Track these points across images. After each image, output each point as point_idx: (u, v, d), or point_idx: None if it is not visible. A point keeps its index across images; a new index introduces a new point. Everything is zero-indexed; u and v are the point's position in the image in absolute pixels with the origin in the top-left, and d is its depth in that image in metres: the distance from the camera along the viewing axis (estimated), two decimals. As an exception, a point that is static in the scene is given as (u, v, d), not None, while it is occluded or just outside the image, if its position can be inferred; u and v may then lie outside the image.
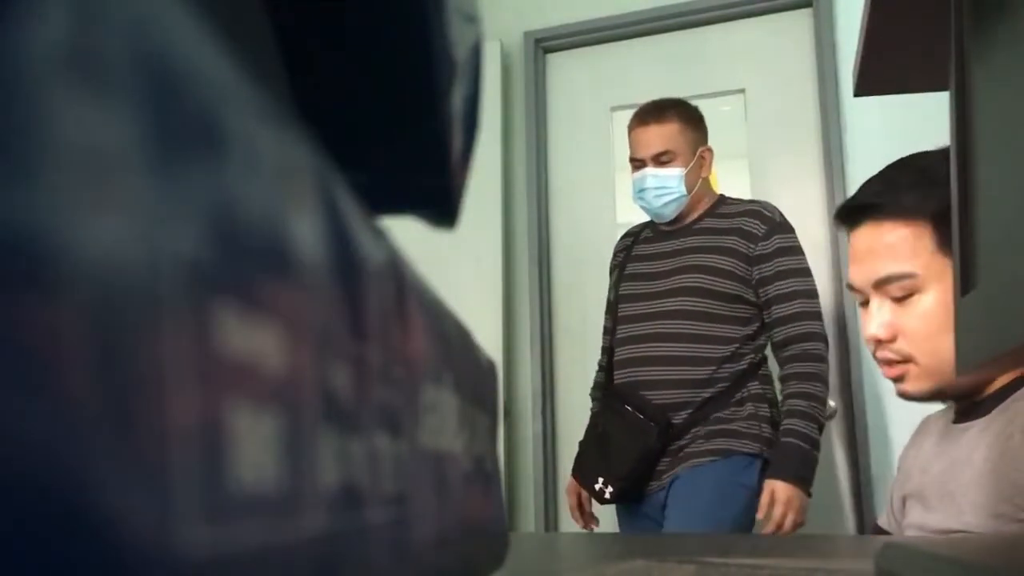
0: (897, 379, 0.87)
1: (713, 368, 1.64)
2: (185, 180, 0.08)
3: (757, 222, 1.69)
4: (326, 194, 0.12)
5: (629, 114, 2.45)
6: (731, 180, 2.42)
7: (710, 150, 1.80)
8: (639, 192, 1.76)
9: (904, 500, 0.93)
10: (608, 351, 1.84)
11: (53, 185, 0.06)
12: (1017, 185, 0.26)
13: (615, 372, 1.76)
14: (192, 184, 0.08)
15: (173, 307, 0.08)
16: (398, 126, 0.20)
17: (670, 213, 1.76)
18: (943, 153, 0.87)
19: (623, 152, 2.45)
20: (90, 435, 0.06)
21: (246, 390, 0.09)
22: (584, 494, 1.77)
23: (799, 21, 2.32)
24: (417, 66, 0.19)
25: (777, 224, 1.69)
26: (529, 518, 2.27)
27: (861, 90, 0.49)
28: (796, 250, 1.68)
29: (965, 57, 0.33)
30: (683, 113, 1.77)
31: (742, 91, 2.35)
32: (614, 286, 1.86)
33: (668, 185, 1.73)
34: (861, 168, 2.04)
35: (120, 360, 0.07)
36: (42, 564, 0.06)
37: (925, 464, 0.89)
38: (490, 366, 0.25)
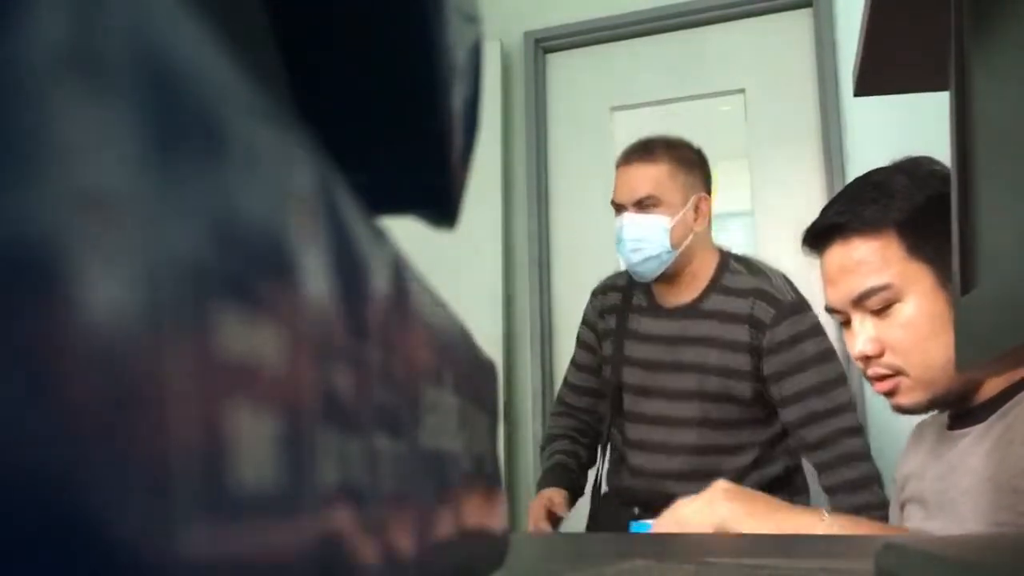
0: (889, 393, 0.87)
1: (735, 480, 1.37)
2: (185, 181, 0.08)
3: (765, 305, 1.39)
4: (326, 194, 0.12)
5: (629, 114, 2.47)
6: (731, 180, 2.43)
7: (707, 199, 1.49)
8: (618, 243, 1.47)
9: (903, 506, 0.93)
10: (591, 422, 1.57)
11: (53, 187, 0.06)
12: (1017, 185, 0.26)
13: (629, 475, 1.49)
14: (192, 185, 0.08)
15: (173, 308, 0.08)
16: (398, 126, 0.20)
17: (649, 272, 1.46)
18: (896, 168, 0.89)
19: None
20: (91, 437, 0.06)
21: (246, 391, 0.09)
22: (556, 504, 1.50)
23: (799, 21, 2.32)
24: (417, 66, 0.19)
25: (787, 306, 1.38)
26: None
27: (861, 90, 0.49)
28: (812, 332, 1.37)
29: (965, 57, 0.33)
30: (676, 153, 1.48)
31: (742, 91, 2.35)
32: (612, 363, 1.54)
33: (648, 237, 1.43)
34: (861, 168, 2.03)
35: (120, 362, 0.07)
36: (43, 565, 0.06)
37: (921, 470, 0.89)
38: (490, 366, 0.25)
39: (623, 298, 1.57)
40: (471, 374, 0.22)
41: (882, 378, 0.86)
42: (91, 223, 0.07)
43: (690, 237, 1.45)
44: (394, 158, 0.20)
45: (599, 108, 2.47)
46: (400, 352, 0.15)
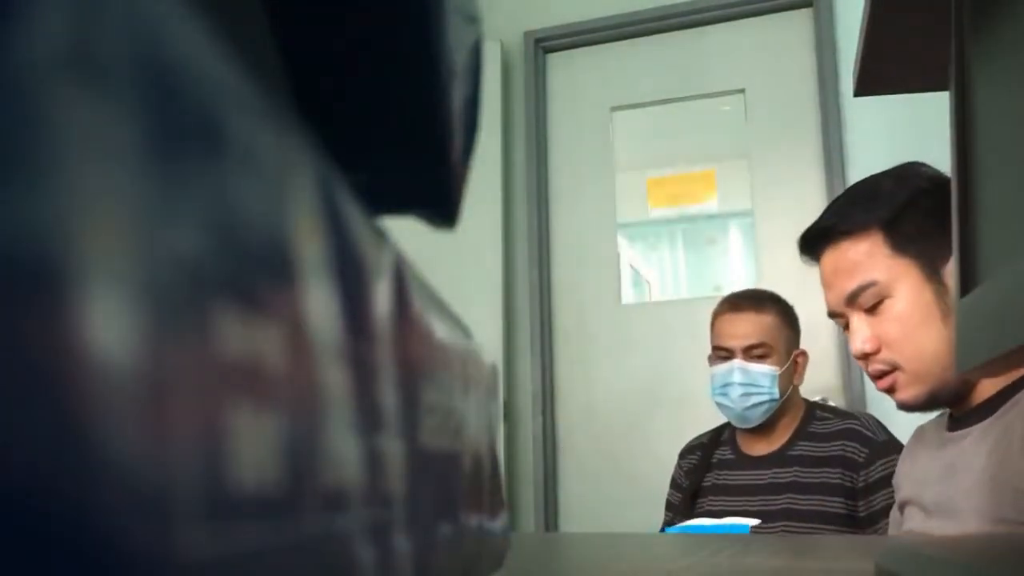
0: (890, 390, 0.89)
1: None
2: (185, 181, 0.08)
3: (857, 446, 1.38)
4: (326, 194, 0.12)
5: (629, 114, 2.48)
6: (731, 180, 2.43)
7: (805, 354, 1.55)
8: (722, 387, 1.50)
9: (902, 508, 0.93)
10: None
11: (52, 186, 0.06)
12: (1017, 185, 0.26)
13: None
14: (192, 185, 0.08)
15: (173, 309, 0.08)
16: (398, 126, 0.20)
17: (756, 417, 1.48)
18: (883, 173, 0.94)
19: (623, 152, 2.47)
20: (90, 436, 0.06)
21: (246, 391, 0.09)
22: None
23: (799, 21, 2.32)
24: (417, 66, 0.19)
25: (880, 445, 1.37)
26: (529, 518, 2.27)
27: (861, 90, 0.49)
28: None
29: (965, 57, 0.33)
30: (782, 308, 1.53)
31: (742, 91, 2.35)
32: (685, 514, 1.53)
33: (759, 383, 1.46)
34: (861, 168, 2.04)
35: (120, 362, 0.07)
36: (42, 565, 0.06)
37: (922, 474, 0.89)
38: (490, 366, 0.25)
39: (702, 456, 1.58)
40: (471, 374, 0.22)
41: (881, 376, 0.89)
42: (90, 223, 0.07)
43: (789, 390, 1.50)
44: (394, 158, 0.20)
45: (599, 108, 2.47)
46: (400, 352, 0.15)
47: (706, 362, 1.59)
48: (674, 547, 0.53)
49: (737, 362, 1.48)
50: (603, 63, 2.48)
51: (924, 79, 0.47)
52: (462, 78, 0.21)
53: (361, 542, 0.13)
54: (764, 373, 1.47)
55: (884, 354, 0.88)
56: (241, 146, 0.10)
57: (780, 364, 1.48)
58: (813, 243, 0.95)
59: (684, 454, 1.64)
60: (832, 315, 0.94)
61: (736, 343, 1.50)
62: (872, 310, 0.88)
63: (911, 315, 0.86)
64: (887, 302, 0.87)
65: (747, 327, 1.49)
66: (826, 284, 0.93)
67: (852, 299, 0.89)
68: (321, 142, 0.13)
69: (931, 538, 0.72)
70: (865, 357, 0.89)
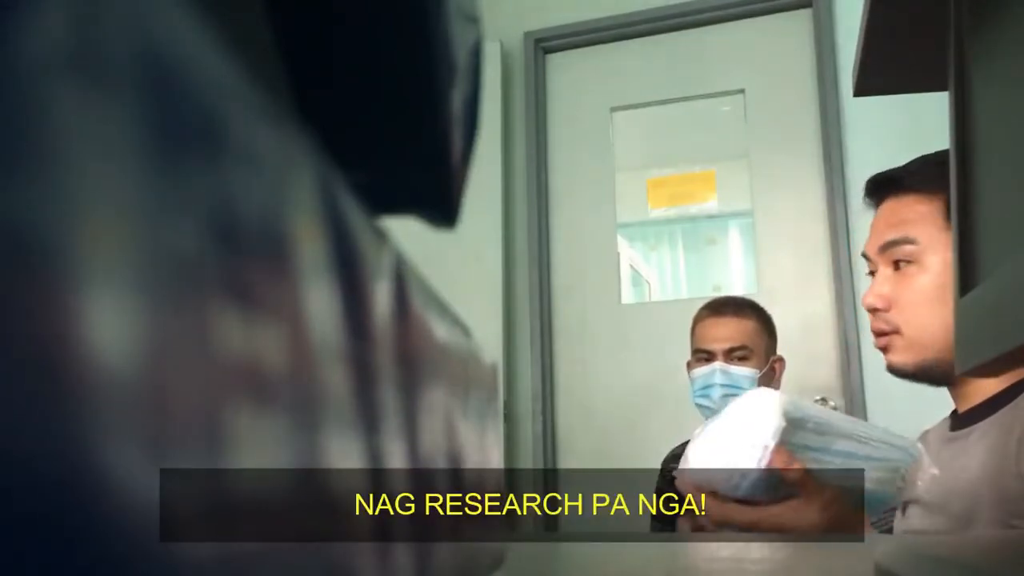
0: (884, 349, 0.90)
1: None
2: (186, 180, 0.08)
3: None
4: (326, 194, 0.12)
5: (629, 114, 2.48)
6: (731, 180, 2.43)
7: (782, 361, 1.58)
8: (703, 389, 1.53)
9: (904, 507, 0.93)
10: None
11: (54, 185, 0.06)
12: (1017, 185, 0.26)
13: None
14: (193, 184, 0.08)
15: (173, 306, 0.08)
16: (398, 126, 0.20)
17: None
18: None
19: (623, 152, 2.47)
20: (89, 434, 0.06)
21: (246, 389, 0.09)
22: None
23: (799, 21, 2.32)
24: (417, 66, 0.19)
25: None
26: (529, 518, 2.27)
27: (861, 90, 0.49)
28: None
29: (965, 57, 0.33)
30: (761, 315, 1.57)
31: (742, 91, 2.35)
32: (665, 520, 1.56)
33: (740, 385, 1.49)
34: (861, 168, 2.04)
35: (119, 359, 0.07)
36: (42, 564, 0.06)
37: (922, 472, 0.89)
38: (490, 366, 0.25)
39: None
40: (471, 374, 0.22)
41: (880, 334, 0.90)
42: (91, 222, 0.07)
43: None
44: (394, 158, 0.20)
45: (599, 108, 2.47)
46: (400, 352, 0.15)
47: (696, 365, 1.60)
48: (674, 547, 0.53)
49: (718, 364, 1.51)
50: (603, 63, 2.48)
51: (924, 79, 0.47)
52: (462, 78, 0.21)
53: (361, 542, 0.13)
54: (745, 375, 1.50)
55: (892, 314, 0.88)
56: (242, 146, 0.10)
57: (759, 368, 1.52)
58: (881, 187, 0.94)
59: (667, 462, 1.66)
60: (865, 256, 0.95)
61: (718, 346, 1.53)
62: (899, 268, 0.89)
63: (931, 289, 0.86)
64: (913, 267, 0.88)
65: (729, 330, 1.53)
66: (874, 228, 0.94)
67: (886, 248, 0.89)
68: (321, 142, 0.13)
69: (931, 538, 0.72)
70: (874, 311, 0.90)
